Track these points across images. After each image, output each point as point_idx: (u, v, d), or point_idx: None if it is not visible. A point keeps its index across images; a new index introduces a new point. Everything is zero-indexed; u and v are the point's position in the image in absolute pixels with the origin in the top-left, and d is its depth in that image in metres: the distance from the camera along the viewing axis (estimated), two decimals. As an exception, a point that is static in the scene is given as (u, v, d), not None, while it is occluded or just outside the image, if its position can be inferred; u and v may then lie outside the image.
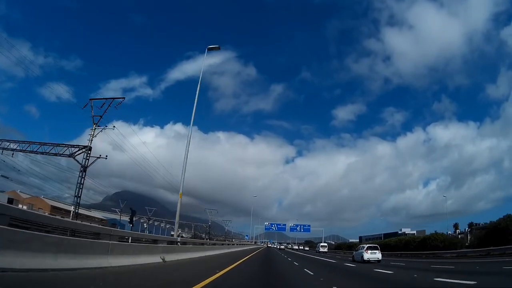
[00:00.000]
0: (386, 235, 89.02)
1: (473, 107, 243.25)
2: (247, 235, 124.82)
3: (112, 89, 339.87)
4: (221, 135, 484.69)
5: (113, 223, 63.71)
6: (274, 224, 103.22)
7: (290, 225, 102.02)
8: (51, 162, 37.13)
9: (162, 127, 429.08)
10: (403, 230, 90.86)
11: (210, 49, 22.23)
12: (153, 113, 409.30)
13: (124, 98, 30.80)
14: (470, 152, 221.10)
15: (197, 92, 21.16)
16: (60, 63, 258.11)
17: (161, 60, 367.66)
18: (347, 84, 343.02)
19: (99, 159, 29.85)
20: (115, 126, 31.24)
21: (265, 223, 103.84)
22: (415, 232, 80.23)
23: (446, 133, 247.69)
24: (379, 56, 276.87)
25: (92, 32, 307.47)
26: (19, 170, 37.15)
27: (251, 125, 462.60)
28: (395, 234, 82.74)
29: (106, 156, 29.89)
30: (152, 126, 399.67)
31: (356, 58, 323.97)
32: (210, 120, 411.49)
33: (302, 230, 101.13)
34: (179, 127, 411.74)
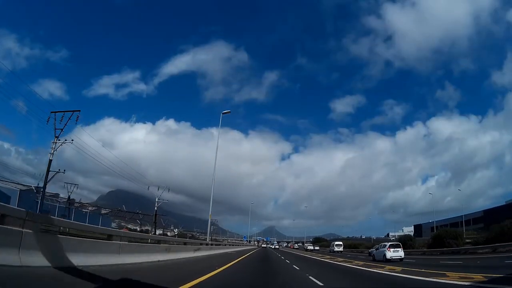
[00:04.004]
0: (488, 212, 58.65)
1: (477, 96, 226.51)
2: None
3: (105, 85, 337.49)
4: (214, 131, 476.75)
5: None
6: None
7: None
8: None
9: (154, 123, 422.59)
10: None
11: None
12: (146, 109, 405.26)
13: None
14: (471, 147, 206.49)
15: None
16: (46, 54, 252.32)
17: (154, 54, 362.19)
18: (345, 68, 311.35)
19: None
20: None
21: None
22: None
23: (447, 126, 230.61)
24: (380, 35, 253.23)
25: (83, 26, 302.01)
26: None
27: (245, 119, 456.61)
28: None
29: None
30: (144, 123, 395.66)
31: (355, 37, 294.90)
32: (202, 113, 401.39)
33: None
34: (171, 123, 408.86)
